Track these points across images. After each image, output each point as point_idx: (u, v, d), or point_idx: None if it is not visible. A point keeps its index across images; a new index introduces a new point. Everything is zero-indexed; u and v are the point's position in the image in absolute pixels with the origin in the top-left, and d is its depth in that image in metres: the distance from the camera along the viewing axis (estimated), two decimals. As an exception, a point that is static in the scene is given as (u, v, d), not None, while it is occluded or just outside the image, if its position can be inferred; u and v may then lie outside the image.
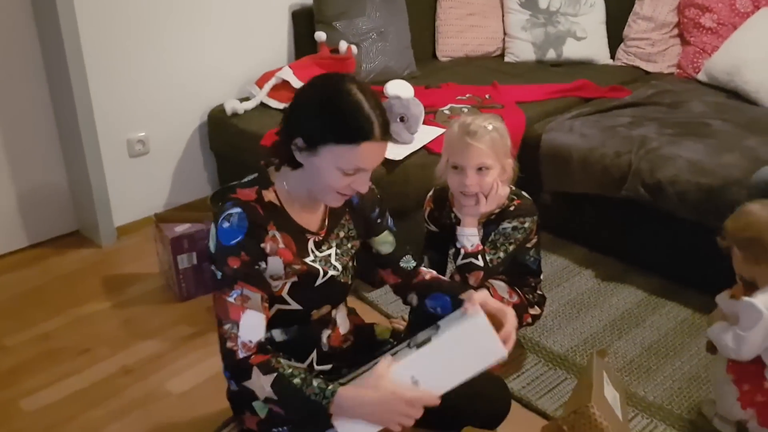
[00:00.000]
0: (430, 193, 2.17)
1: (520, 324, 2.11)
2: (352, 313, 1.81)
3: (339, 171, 1.42)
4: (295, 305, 1.55)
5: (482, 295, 1.53)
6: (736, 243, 1.73)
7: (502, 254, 1.98)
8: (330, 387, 1.36)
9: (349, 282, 1.66)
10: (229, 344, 1.40)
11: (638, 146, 2.57)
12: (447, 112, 2.88)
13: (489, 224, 2.02)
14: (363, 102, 1.40)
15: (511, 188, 2.05)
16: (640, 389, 2.06)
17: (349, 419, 1.36)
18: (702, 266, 2.47)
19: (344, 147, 1.40)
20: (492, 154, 1.91)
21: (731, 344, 1.72)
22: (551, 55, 3.60)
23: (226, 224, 1.44)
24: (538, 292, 2.17)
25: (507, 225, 1.99)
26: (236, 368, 1.41)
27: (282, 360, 1.43)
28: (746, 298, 1.71)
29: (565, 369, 2.15)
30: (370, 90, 1.45)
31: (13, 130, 2.76)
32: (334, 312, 1.66)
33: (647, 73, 3.50)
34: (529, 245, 2.07)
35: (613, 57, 3.64)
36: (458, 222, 2.02)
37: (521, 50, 3.64)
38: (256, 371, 1.38)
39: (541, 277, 2.18)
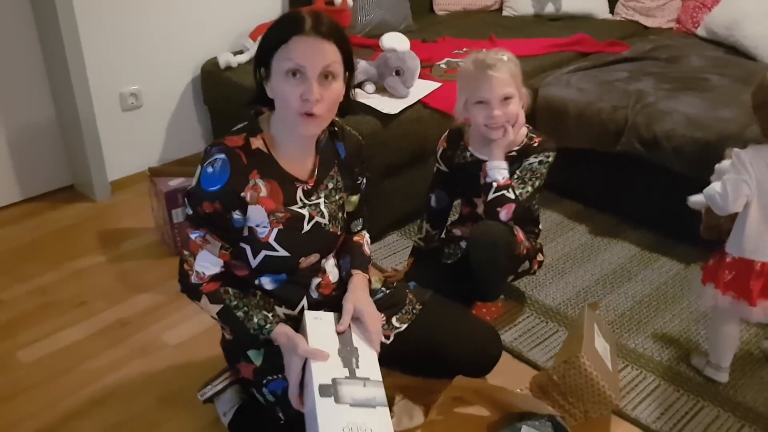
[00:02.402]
0: (445, 133, 2.18)
1: (529, 270, 2.16)
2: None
3: (285, 77, 1.43)
4: (282, 252, 1.56)
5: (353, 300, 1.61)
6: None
7: (530, 188, 2.01)
8: (267, 326, 1.53)
9: (339, 233, 1.67)
10: (185, 267, 1.56)
11: (635, 101, 2.56)
12: (443, 66, 2.85)
13: (510, 161, 2.04)
14: (299, 10, 1.46)
15: (527, 127, 2.08)
16: (630, 341, 2.09)
17: None
18: (695, 221, 2.46)
19: (281, 49, 1.43)
20: (513, 83, 1.95)
21: (719, 189, 1.74)
22: (550, 8, 3.55)
23: (210, 169, 1.48)
24: (539, 241, 2.21)
25: (533, 160, 2.02)
26: (189, 289, 1.58)
27: (230, 290, 1.56)
28: (736, 149, 1.74)
29: (556, 322, 2.17)
30: (323, 13, 1.48)
31: (4, 83, 2.72)
32: (323, 261, 1.67)
33: (646, 28, 3.46)
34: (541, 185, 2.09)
35: (612, 11, 3.60)
36: (473, 161, 2.05)
37: (519, 4, 3.59)
38: (205, 298, 1.56)
39: (540, 227, 2.22)
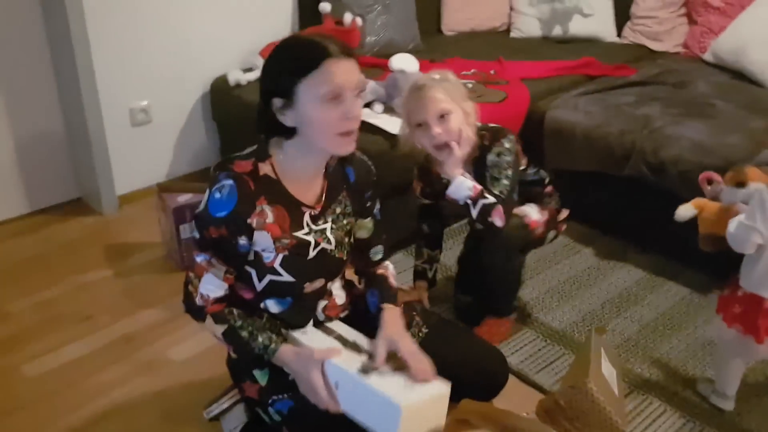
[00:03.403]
0: (414, 172, 2.18)
1: (556, 236, 2.18)
2: (351, 286, 1.82)
3: (323, 102, 1.42)
4: (287, 277, 1.56)
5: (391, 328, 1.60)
6: None
7: (505, 181, 1.97)
8: (272, 345, 1.53)
9: (345, 258, 1.66)
10: (190, 288, 1.57)
11: (642, 125, 2.57)
12: (451, 87, 2.87)
13: (475, 164, 2.03)
14: (311, 35, 1.47)
15: (476, 125, 2.03)
16: (636, 366, 2.08)
17: None
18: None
19: (312, 76, 1.41)
20: (447, 99, 1.93)
21: (732, 229, 1.70)
22: (557, 31, 3.57)
23: (217, 195, 1.48)
24: (556, 197, 2.20)
25: (492, 158, 1.99)
26: (193, 310, 1.58)
27: (234, 311, 1.57)
28: (763, 186, 1.70)
29: (563, 345, 2.17)
30: (322, 33, 1.53)
31: (15, 95, 2.75)
32: (329, 284, 1.67)
33: (653, 51, 3.48)
34: (522, 167, 2.08)
35: (619, 35, 3.62)
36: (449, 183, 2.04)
37: (527, 26, 3.62)
38: (210, 319, 1.56)
39: (547, 181, 2.19)
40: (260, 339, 1.53)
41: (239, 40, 3.14)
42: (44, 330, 2.25)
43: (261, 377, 1.64)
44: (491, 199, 1.93)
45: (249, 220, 1.49)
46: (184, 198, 2.49)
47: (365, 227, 1.73)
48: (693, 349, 2.16)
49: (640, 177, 2.51)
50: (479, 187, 1.94)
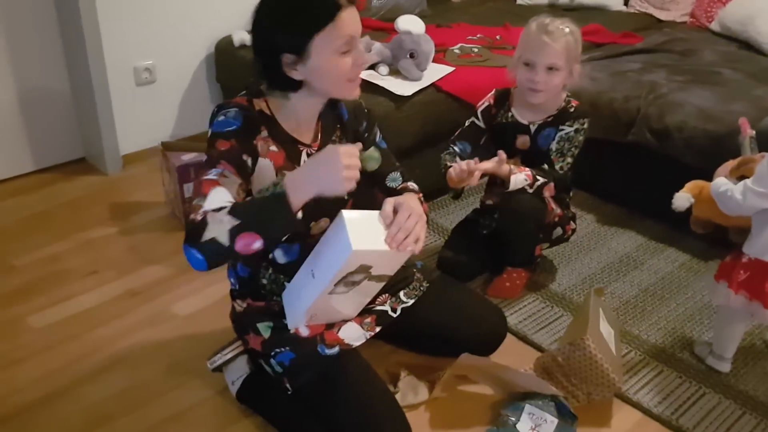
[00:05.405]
0: (492, 92, 2.20)
1: (563, 236, 2.24)
2: None
3: (337, 54, 1.43)
4: None
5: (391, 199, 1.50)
6: None
7: (569, 159, 2.07)
8: (278, 182, 1.33)
9: (345, 196, 1.67)
10: (191, 216, 1.33)
11: (647, 92, 2.57)
12: (457, 51, 2.86)
13: (546, 126, 2.09)
14: None
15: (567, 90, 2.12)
16: (634, 328, 2.11)
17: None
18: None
19: (326, 29, 1.40)
20: (564, 56, 1.97)
21: (738, 195, 1.70)
22: (564, -2, 3.55)
23: (222, 117, 1.47)
24: (571, 209, 2.28)
25: (569, 129, 2.06)
26: (194, 230, 1.31)
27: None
28: None
29: (562, 307, 2.19)
30: None
31: (20, 54, 2.74)
32: None
33: (660, 21, 3.46)
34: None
35: (626, 3, 3.60)
36: (513, 122, 2.12)
37: (534, -7, 3.59)
38: (210, 215, 1.31)
39: (571, 194, 2.27)
40: (265, 187, 1.36)
41: (245, 0, 3.12)
42: (50, 283, 2.27)
43: (264, 330, 1.66)
44: (542, 179, 2.01)
45: (255, 142, 1.48)
46: (188, 157, 2.50)
47: (371, 158, 1.71)
48: (691, 313, 2.18)
49: (644, 143, 2.51)
50: (531, 174, 2.00)
